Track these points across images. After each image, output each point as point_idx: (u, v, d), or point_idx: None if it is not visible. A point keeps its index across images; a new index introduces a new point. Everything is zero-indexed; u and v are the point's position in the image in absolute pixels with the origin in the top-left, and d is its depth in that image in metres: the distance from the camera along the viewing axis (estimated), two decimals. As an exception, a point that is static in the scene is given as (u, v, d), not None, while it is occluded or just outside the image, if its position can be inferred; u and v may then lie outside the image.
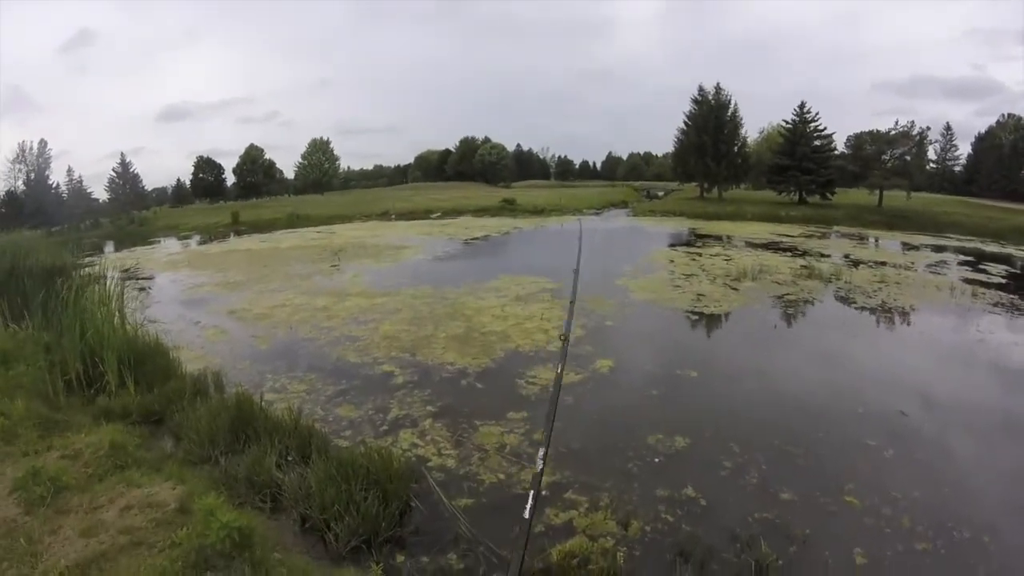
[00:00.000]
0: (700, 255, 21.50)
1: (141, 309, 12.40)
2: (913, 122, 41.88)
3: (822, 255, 22.10)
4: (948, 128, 66.45)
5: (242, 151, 79.73)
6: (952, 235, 30.59)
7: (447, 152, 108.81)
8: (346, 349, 10.28)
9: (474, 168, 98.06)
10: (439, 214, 44.05)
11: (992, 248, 26.36)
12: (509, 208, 46.02)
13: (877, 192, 41.40)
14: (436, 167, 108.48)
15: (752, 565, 4.53)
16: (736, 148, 50.24)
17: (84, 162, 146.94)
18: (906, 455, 6.40)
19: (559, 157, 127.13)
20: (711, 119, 49.23)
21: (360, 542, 4.68)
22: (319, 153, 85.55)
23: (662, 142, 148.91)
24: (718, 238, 27.55)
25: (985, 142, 61.10)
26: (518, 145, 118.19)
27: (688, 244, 25.68)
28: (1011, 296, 14.97)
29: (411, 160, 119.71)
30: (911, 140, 41.31)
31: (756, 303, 13.69)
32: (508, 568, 1.75)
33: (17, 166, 57.32)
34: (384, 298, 14.32)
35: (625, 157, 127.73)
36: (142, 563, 3.81)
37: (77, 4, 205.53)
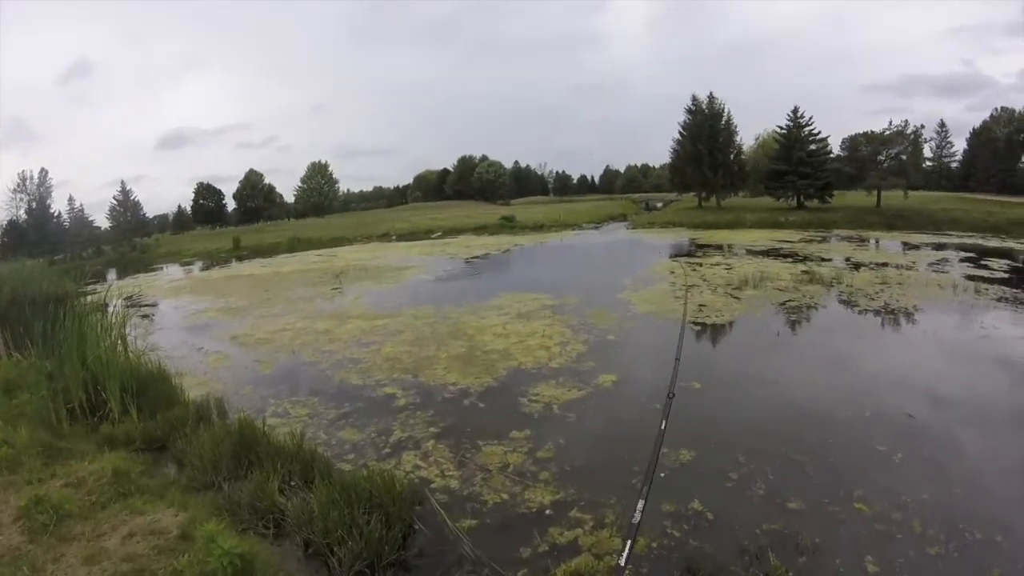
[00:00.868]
0: (701, 265, 21.49)
1: (144, 336, 12.41)
2: (907, 121, 42.03)
3: (823, 259, 22.07)
4: (942, 125, 67.22)
5: (242, 176, 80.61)
6: (952, 232, 30.56)
7: (445, 172, 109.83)
8: (348, 372, 10.28)
9: (472, 186, 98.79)
10: (439, 233, 44.28)
11: (993, 243, 26.29)
12: (508, 225, 46.19)
13: (875, 193, 41.46)
14: (435, 186, 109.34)
15: (761, 578, 4.45)
16: (732, 156, 50.47)
17: (85, 190, 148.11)
18: (915, 458, 6.32)
19: (557, 172, 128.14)
20: (705, 128, 49.54)
21: (364, 566, 4.63)
22: (318, 176, 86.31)
23: (659, 154, 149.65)
24: (718, 247, 27.55)
25: (980, 137, 61.52)
26: (516, 162, 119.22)
27: (689, 254, 25.67)
28: (1014, 291, 14.91)
29: (410, 180, 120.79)
30: (906, 139, 41.40)
31: (758, 311, 13.64)
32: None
33: (19, 196, 58.16)
34: (386, 319, 14.34)
35: (623, 170, 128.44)
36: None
37: (75, 35, 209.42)
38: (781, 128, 47.34)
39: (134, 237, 60.45)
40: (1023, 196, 45.31)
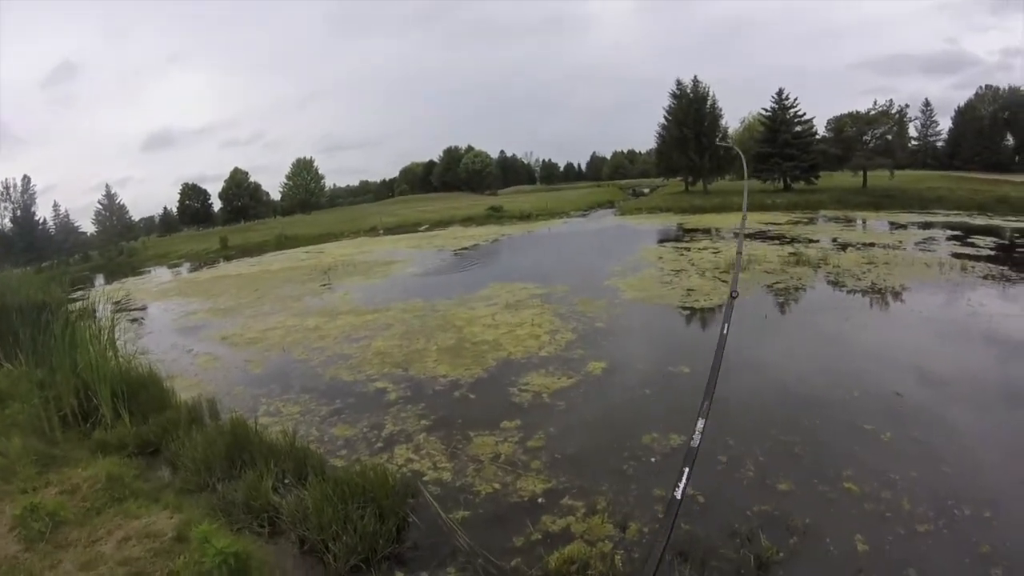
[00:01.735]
0: (688, 249, 21.56)
1: (134, 340, 12.33)
2: (892, 100, 42.10)
3: (810, 241, 22.19)
4: (927, 104, 67.25)
5: (227, 176, 79.91)
6: (938, 211, 30.72)
7: (431, 163, 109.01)
8: (339, 368, 10.28)
9: (459, 177, 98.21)
10: (427, 226, 44.10)
11: (979, 221, 26.46)
12: (496, 215, 46.05)
13: (861, 173, 41.62)
14: (422, 179, 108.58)
15: (752, 560, 4.52)
16: (718, 139, 50.46)
17: (71, 195, 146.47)
18: (904, 436, 6.40)
19: (544, 161, 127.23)
20: (691, 112, 49.41)
21: (359, 561, 4.68)
22: (304, 172, 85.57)
23: (645, 139, 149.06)
24: (706, 231, 27.59)
25: (965, 115, 61.52)
26: (502, 151, 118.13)
27: (676, 239, 25.72)
28: (1000, 267, 15.05)
29: (396, 174, 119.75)
30: (891, 119, 41.56)
31: (746, 293, 13.70)
32: (651, 551, 1.70)
33: (3, 204, 57.23)
34: (375, 314, 14.32)
35: (609, 156, 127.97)
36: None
37: (57, 37, 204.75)
38: (766, 111, 47.36)
39: (121, 241, 59.86)
40: (1008, 174, 45.70)
